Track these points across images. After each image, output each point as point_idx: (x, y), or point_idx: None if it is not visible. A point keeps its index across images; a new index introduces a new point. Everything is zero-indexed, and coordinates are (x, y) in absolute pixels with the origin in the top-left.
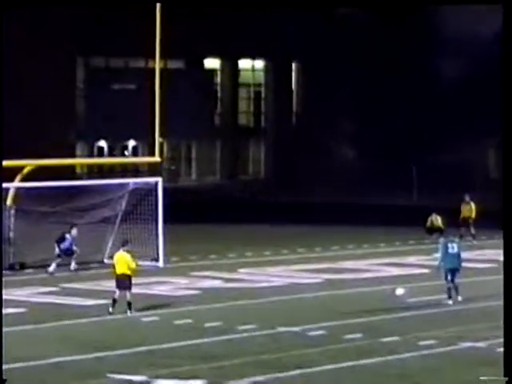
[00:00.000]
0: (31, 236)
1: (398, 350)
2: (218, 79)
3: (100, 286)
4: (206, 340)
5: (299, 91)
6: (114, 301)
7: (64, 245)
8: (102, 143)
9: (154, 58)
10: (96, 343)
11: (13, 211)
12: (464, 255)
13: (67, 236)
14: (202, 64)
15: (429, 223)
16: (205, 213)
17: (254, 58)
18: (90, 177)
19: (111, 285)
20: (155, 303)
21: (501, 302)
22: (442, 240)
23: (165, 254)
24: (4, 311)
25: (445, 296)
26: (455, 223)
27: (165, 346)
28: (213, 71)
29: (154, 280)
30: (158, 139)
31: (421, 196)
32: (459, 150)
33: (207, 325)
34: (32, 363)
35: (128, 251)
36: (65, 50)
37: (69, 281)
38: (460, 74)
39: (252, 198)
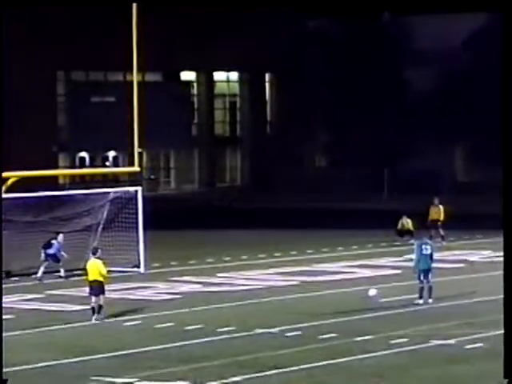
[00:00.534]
0: (16, 245)
1: (371, 348)
2: (195, 91)
3: (83, 293)
4: (186, 342)
5: (273, 101)
6: (93, 309)
7: (51, 250)
8: (84, 154)
9: (131, 71)
10: (80, 348)
11: None
12: (434, 256)
13: (54, 242)
14: (179, 76)
15: (400, 226)
16: (184, 220)
17: (228, 70)
18: (72, 187)
19: None
20: (137, 307)
21: (469, 301)
22: (416, 242)
23: (146, 260)
24: None
25: (416, 296)
26: (425, 225)
27: (147, 348)
28: (189, 83)
29: (135, 285)
30: (137, 149)
31: (391, 200)
32: (428, 155)
33: (187, 328)
34: (18, 368)
35: (99, 258)
36: (45, 64)
37: (53, 287)
38: (429, 84)
39: (229, 204)
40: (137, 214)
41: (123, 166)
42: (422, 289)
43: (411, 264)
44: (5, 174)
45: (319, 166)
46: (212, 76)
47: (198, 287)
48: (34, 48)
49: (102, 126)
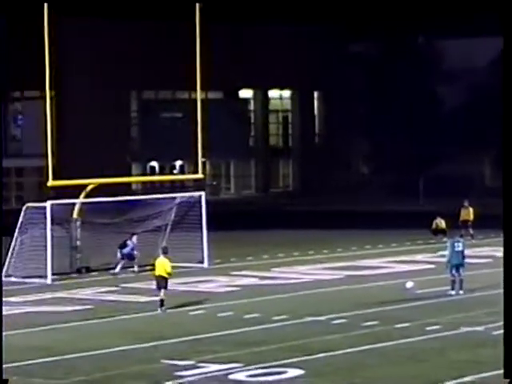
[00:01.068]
0: (95, 244)
1: (409, 334)
2: (252, 107)
3: (153, 286)
4: (245, 329)
5: (321, 116)
6: (162, 301)
7: (126, 250)
8: (154, 163)
9: (196, 90)
10: (151, 334)
11: (79, 223)
12: (465, 252)
13: (129, 242)
14: (238, 94)
15: (434, 226)
16: (242, 221)
17: (282, 88)
18: (143, 192)
19: None
20: (201, 299)
21: (496, 292)
22: (449, 240)
23: (209, 257)
24: (72, 308)
25: (448, 287)
26: (456, 225)
27: (209, 335)
28: (247, 100)
29: (199, 279)
30: (201, 159)
31: (427, 203)
32: (459, 163)
33: (246, 316)
34: (96, 352)
35: (167, 257)
36: (120, 85)
37: (128, 281)
38: (459, 98)
39: (282, 207)
40: (201, 216)
41: (189, 173)
42: (453, 281)
43: (444, 259)
44: (84, 181)
45: (362, 172)
46: (267, 94)
47: (254, 280)
48: (111, 70)
49: (170, 138)
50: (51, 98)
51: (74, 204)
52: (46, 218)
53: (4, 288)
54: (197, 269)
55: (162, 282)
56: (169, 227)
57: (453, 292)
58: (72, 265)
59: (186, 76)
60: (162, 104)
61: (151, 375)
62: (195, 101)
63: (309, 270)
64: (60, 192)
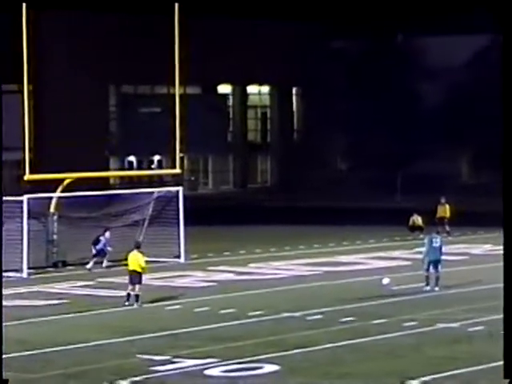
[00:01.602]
0: (71, 238)
1: (386, 330)
2: (230, 102)
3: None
4: (221, 324)
5: (299, 111)
6: (128, 295)
7: (99, 246)
8: (132, 158)
9: (175, 85)
10: (127, 329)
11: (55, 217)
12: (442, 249)
13: (101, 238)
14: (216, 90)
15: (411, 222)
16: (220, 217)
17: (260, 84)
18: (121, 187)
19: None
20: (177, 293)
21: (471, 289)
22: (427, 236)
23: (185, 252)
24: (48, 302)
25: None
26: (433, 222)
27: (186, 330)
28: (225, 96)
29: (176, 274)
30: (178, 154)
31: (404, 199)
32: (436, 160)
33: (222, 311)
34: (73, 346)
35: (140, 252)
36: (99, 79)
37: (104, 275)
38: (437, 96)
39: (260, 203)
40: (178, 211)
41: (166, 168)
42: (427, 277)
43: (421, 256)
44: (61, 175)
45: (340, 168)
46: (246, 89)
47: (231, 276)
48: (89, 65)
49: (148, 133)
50: (29, 92)
51: (50, 198)
52: (22, 211)
53: None
54: (174, 264)
55: (136, 277)
56: (146, 222)
57: (428, 288)
58: (48, 259)
59: (164, 71)
60: (141, 99)
61: (127, 370)
62: (174, 96)
63: (286, 266)
64: (37, 186)
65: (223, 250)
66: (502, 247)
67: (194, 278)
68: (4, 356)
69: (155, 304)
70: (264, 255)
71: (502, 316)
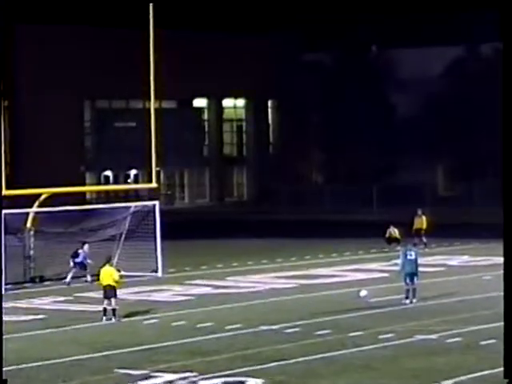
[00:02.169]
0: (48, 253)
1: (362, 342)
2: (206, 116)
3: None
4: (198, 338)
5: (275, 125)
6: (105, 310)
7: (78, 259)
8: (108, 173)
9: (150, 99)
10: (104, 343)
11: (32, 232)
12: (418, 261)
13: (80, 251)
14: (192, 103)
15: (387, 234)
16: (197, 230)
17: (235, 97)
18: (97, 201)
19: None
20: (155, 307)
21: (448, 300)
22: (402, 248)
23: (163, 266)
24: (26, 318)
25: (402, 296)
26: (409, 234)
27: (163, 344)
28: (201, 109)
29: (153, 288)
30: (155, 168)
31: (380, 212)
32: (412, 172)
33: (199, 325)
34: (50, 362)
35: (111, 266)
36: (74, 94)
37: (81, 291)
38: (412, 108)
39: (237, 217)
40: (155, 225)
41: (143, 182)
42: (408, 290)
43: (397, 268)
44: (38, 191)
45: (315, 181)
46: (221, 103)
47: (208, 289)
48: (64, 80)
49: (124, 147)
50: (4, 108)
51: (27, 213)
52: None
53: None
54: (151, 278)
55: (111, 291)
56: (123, 236)
57: (407, 301)
58: (26, 274)
59: (139, 85)
60: (116, 113)
61: None
62: (149, 110)
63: (263, 279)
64: (14, 201)
65: (200, 264)
66: (478, 258)
67: (171, 292)
68: None
69: (132, 318)
70: (241, 269)
71: (479, 327)
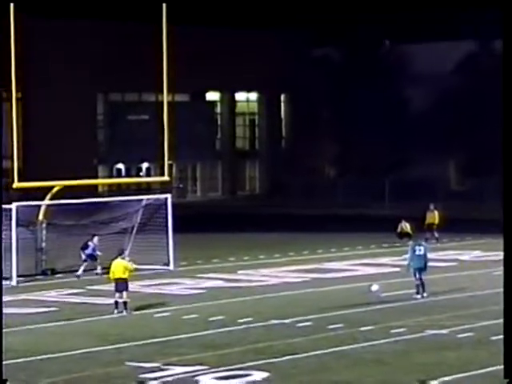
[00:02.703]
0: (60, 246)
1: (373, 337)
2: (218, 109)
3: None
4: (210, 332)
5: (287, 118)
6: (116, 302)
7: (87, 251)
8: (120, 166)
9: (162, 92)
10: (116, 336)
11: (44, 225)
12: (429, 256)
13: (90, 243)
14: (204, 97)
15: (399, 229)
16: (209, 224)
17: (248, 91)
18: (110, 194)
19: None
20: (166, 301)
21: (459, 295)
22: (411, 243)
23: (174, 259)
24: (37, 310)
25: (413, 291)
26: (421, 229)
27: (175, 337)
28: (213, 103)
29: (165, 281)
30: (167, 161)
31: (392, 206)
32: (424, 167)
33: (211, 319)
34: (61, 354)
35: (123, 258)
36: (86, 87)
37: (93, 283)
38: (424, 102)
39: (249, 210)
40: (167, 218)
41: (155, 176)
42: (418, 285)
43: (405, 263)
44: (50, 183)
45: (328, 175)
46: (234, 96)
47: (220, 283)
48: (77, 73)
49: (137, 141)
50: (17, 100)
51: (39, 206)
52: (11, 219)
53: None
54: (162, 271)
55: (122, 284)
56: (135, 229)
57: (418, 296)
58: (37, 267)
59: (152, 78)
60: (129, 106)
61: (116, 377)
62: (162, 103)
63: (274, 273)
64: (26, 194)
65: (212, 258)
66: (489, 253)
67: (183, 286)
68: None
69: (144, 311)
70: (253, 262)
71: (490, 322)
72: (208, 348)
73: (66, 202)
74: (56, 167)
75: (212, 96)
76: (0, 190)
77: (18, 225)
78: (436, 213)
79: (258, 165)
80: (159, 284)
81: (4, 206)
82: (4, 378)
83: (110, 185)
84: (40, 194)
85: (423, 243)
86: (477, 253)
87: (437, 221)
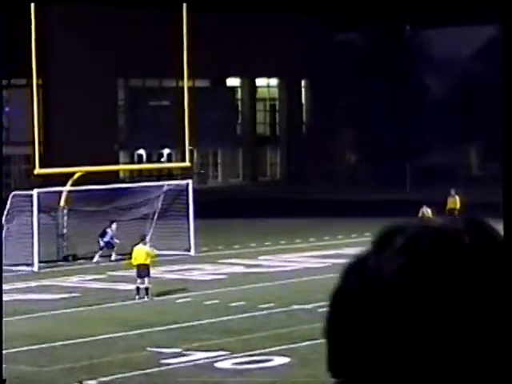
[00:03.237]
0: (82, 232)
1: None
2: (239, 95)
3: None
4: (231, 317)
5: (308, 104)
6: (138, 288)
7: (106, 238)
8: (141, 151)
9: (183, 78)
10: (137, 322)
11: (66, 211)
12: None
13: (108, 230)
14: (225, 83)
15: (420, 214)
16: (229, 209)
17: (269, 76)
18: (131, 180)
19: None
20: (187, 287)
21: None
22: None
23: (195, 245)
24: (59, 296)
25: None
26: (442, 214)
27: (196, 323)
28: (234, 88)
29: (186, 267)
30: (188, 147)
31: (413, 191)
32: (446, 152)
33: (232, 304)
34: (82, 340)
35: (145, 244)
36: (107, 73)
37: (114, 269)
38: (446, 88)
39: (269, 196)
40: (188, 204)
41: (176, 161)
42: None
43: None
44: (71, 169)
45: (348, 161)
46: (254, 82)
47: (241, 268)
48: (98, 58)
49: (158, 126)
50: (38, 86)
51: (61, 192)
52: (32, 205)
53: None
54: (183, 257)
55: (144, 271)
56: (156, 215)
57: None
58: (59, 252)
59: (173, 64)
60: (150, 92)
61: (137, 363)
62: (182, 89)
63: (295, 258)
64: (47, 180)
65: (233, 243)
66: None
67: (204, 271)
68: (14, 350)
69: (165, 297)
70: (274, 248)
71: None
72: (229, 333)
73: (87, 188)
74: (77, 153)
75: (232, 82)
76: (1, 178)
77: (39, 211)
78: (457, 198)
79: (279, 150)
80: (180, 270)
81: (25, 192)
82: (25, 364)
83: (131, 171)
84: (61, 180)
85: None
86: None
87: (458, 206)
